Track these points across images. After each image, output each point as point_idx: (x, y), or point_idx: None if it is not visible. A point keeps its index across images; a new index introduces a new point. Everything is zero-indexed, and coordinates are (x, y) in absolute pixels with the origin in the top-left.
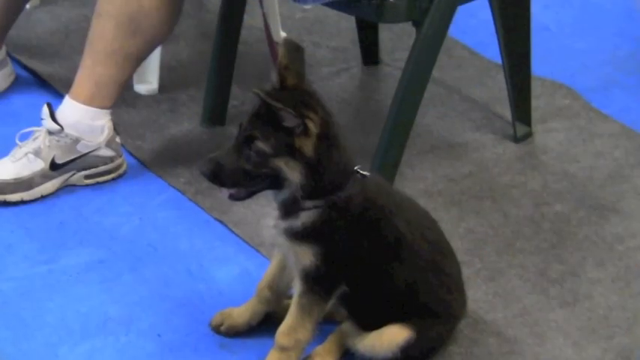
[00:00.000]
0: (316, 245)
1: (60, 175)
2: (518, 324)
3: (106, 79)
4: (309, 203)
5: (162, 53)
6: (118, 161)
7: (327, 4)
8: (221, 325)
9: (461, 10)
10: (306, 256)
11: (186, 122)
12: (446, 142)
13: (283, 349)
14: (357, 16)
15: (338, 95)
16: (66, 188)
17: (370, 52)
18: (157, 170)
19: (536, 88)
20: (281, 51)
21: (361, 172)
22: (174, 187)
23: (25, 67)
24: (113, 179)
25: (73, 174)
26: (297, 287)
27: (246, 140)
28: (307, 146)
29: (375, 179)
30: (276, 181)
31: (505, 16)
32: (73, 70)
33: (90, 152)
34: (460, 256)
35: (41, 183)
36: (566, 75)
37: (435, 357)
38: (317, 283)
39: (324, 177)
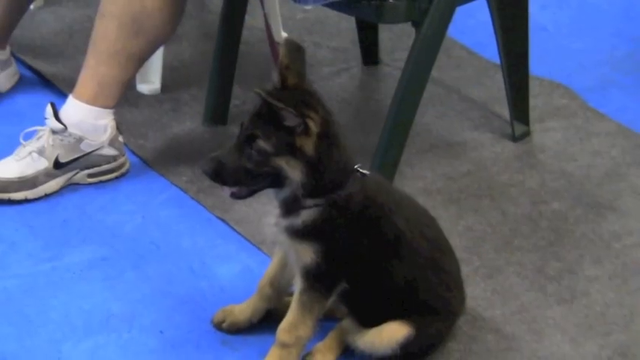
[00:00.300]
0: (317, 243)
1: (63, 173)
2: (516, 321)
3: (109, 79)
4: (309, 201)
5: (165, 53)
6: (121, 160)
7: (327, 5)
8: (223, 321)
9: (460, 11)
10: (306, 253)
11: (188, 121)
12: (445, 141)
13: (284, 345)
14: (357, 17)
15: (338, 95)
16: (69, 187)
17: (370, 52)
18: (160, 169)
19: (534, 88)
20: (282, 51)
21: (361, 170)
22: (176, 185)
23: (29, 67)
24: (116, 178)
25: (77, 173)
26: (297, 284)
27: (247, 139)
28: (308, 145)
29: (374, 178)
30: (277, 180)
31: (503, 16)
32: (77, 70)
33: (93, 151)
34: (459, 254)
35: (45, 182)
36: (563, 75)
37: (434, 353)
38: (317, 280)
39: (325, 176)
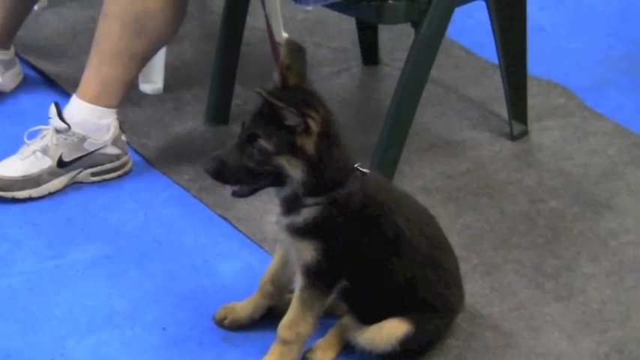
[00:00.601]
0: (317, 241)
1: (67, 172)
2: (514, 318)
3: (112, 79)
4: (310, 200)
5: (167, 53)
6: (124, 159)
7: (328, 6)
8: (225, 318)
9: (458, 12)
10: (307, 251)
11: (190, 121)
12: (444, 140)
13: (285, 342)
14: (358, 18)
15: (338, 94)
16: (73, 185)
17: (370, 53)
18: (162, 168)
19: (531, 88)
20: (283, 51)
21: (361, 169)
22: (178, 184)
23: (33, 67)
24: (119, 176)
25: (80, 171)
26: (298, 282)
27: (249, 138)
28: (308, 144)
29: (374, 176)
30: (278, 179)
31: (501, 17)
32: (80, 70)
33: (96, 150)
34: (457, 252)
35: (49, 180)
36: (561, 74)
37: (433, 350)
38: (318, 278)
39: (325, 174)
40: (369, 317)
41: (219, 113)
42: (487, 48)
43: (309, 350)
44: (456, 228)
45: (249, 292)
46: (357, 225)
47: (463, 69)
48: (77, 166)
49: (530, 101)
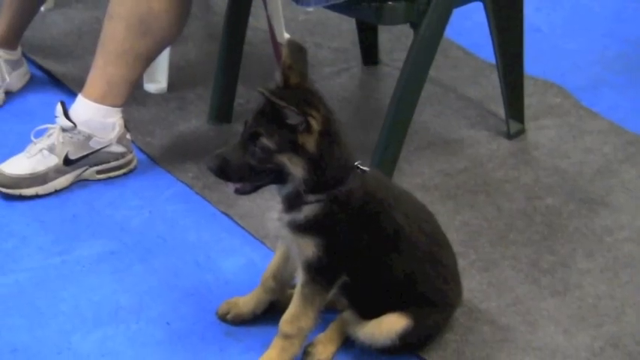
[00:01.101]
0: (318, 237)
1: (73, 170)
2: (511, 312)
3: (117, 79)
4: (311, 197)
5: (171, 53)
6: (129, 157)
7: (328, 7)
8: (227, 313)
9: (456, 13)
10: (308, 247)
11: (194, 120)
12: (442, 139)
13: (287, 336)
14: (358, 18)
15: (339, 94)
16: (79, 183)
17: (370, 53)
18: (166, 165)
19: (528, 87)
20: (285, 51)
21: (361, 167)
22: (182, 181)
23: (40, 67)
24: (124, 174)
25: (86, 169)
26: (300, 277)
27: (251, 137)
28: (310, 142)
29: (374, 174)
30: (280, 176)
31: (499, 18)
32: (86, 70)
33: (102, 148)
34: (456, 248)
35: (55, 178)
36: (557, 74)
37: (431, 344)
38: (319, 273)
39: (326, 172)
40: (369, 312)
41: (222, 112)
42: (485, 48)
43: (311, 344)
44: (454, 224)
45: (252, 287)
46: (357, 221)
47: (461, 69)
48: (83, 164)
49: (526, 100)
